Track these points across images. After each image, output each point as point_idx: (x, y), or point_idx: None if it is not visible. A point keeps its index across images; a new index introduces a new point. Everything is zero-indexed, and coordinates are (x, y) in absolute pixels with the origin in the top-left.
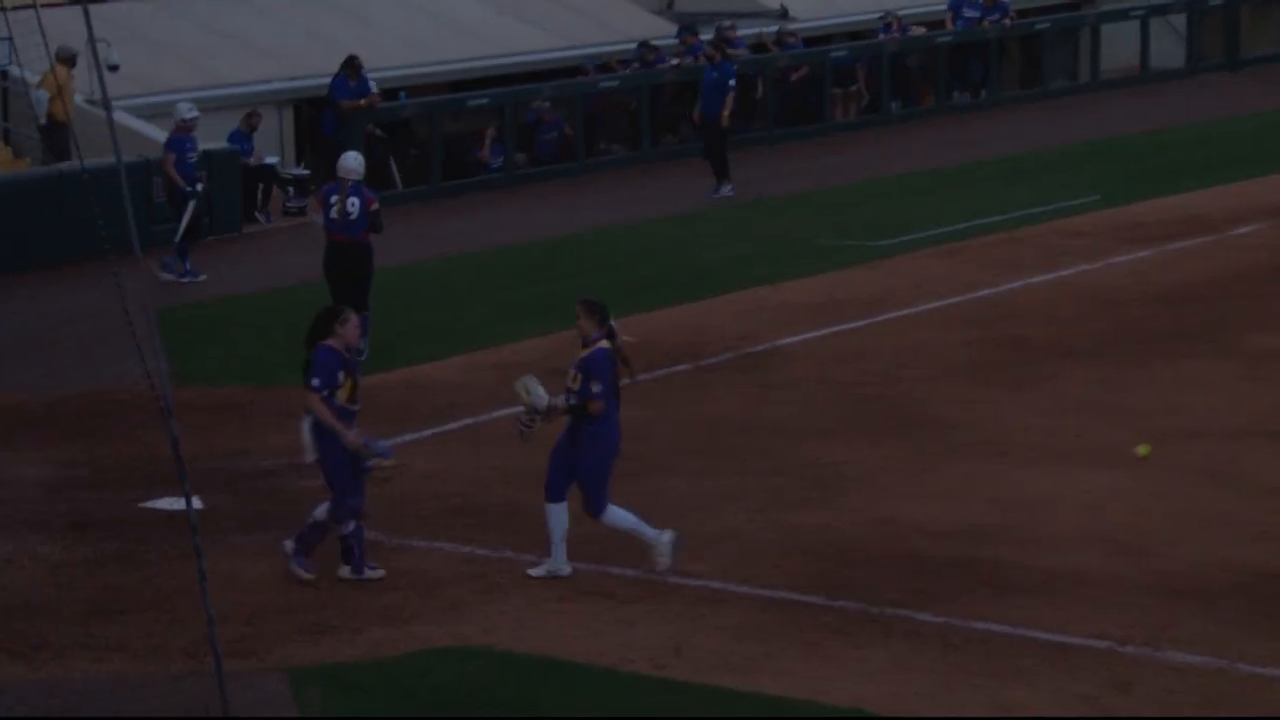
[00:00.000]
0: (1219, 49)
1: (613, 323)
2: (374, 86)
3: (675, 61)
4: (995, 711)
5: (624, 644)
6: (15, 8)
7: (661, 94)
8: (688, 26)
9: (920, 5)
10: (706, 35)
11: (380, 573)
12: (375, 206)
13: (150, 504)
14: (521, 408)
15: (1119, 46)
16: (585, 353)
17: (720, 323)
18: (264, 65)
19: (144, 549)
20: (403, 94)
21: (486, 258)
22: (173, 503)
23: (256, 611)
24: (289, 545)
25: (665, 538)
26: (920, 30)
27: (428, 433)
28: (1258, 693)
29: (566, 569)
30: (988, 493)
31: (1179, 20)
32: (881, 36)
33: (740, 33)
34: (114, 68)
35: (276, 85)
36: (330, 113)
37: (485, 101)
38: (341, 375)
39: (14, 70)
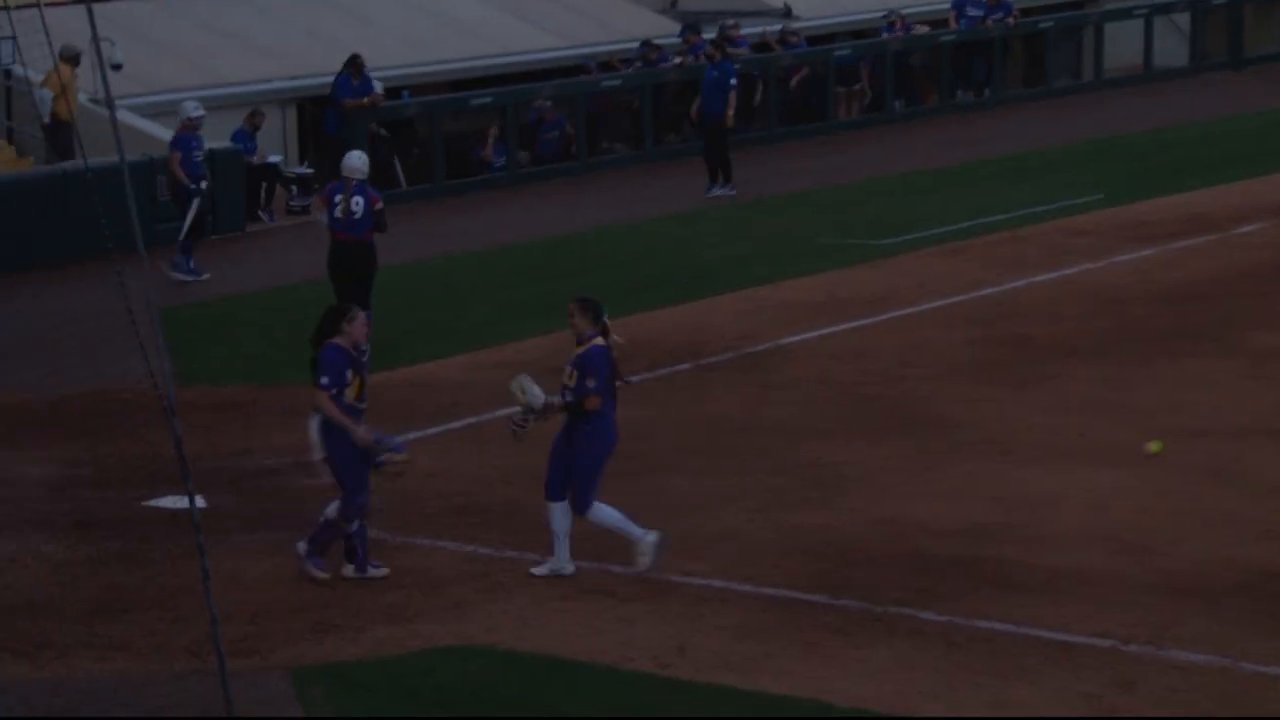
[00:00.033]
0: (1223, 48)
1: (607, 320)
2: (378, 86)
3: (678, 60)
4: (998, 710)
5: (626, 643)
6: (19, 6)
7: (664, 93)
8: (690, 25)
9: (924, 4)
10: (709, 34)
11: (384, 571)
12: (380, 206)
13: (154, 503)
14: (516, 408)
15: (1122, 45)
16: (581, 349)
17: (722, 322)
18: (267, 64)
19: (147, 548)
20: (406, 93)
21: (489, 256)
22: (176, 501)
23: (260, 610)
24: (301, 547)
25: (650, 537)
26: (924, 29)
27: (431, 431)
28: (1261, 691)
29: (569, 568)
30: (991, 491)
31: (1182, 19)
32: (885, 35)
33: (743, 31)
34: (117, 67)
35: (279, 84)
36: (333, 112)
37: (488, 100)
38: (349, 373)
39: (17, 69)
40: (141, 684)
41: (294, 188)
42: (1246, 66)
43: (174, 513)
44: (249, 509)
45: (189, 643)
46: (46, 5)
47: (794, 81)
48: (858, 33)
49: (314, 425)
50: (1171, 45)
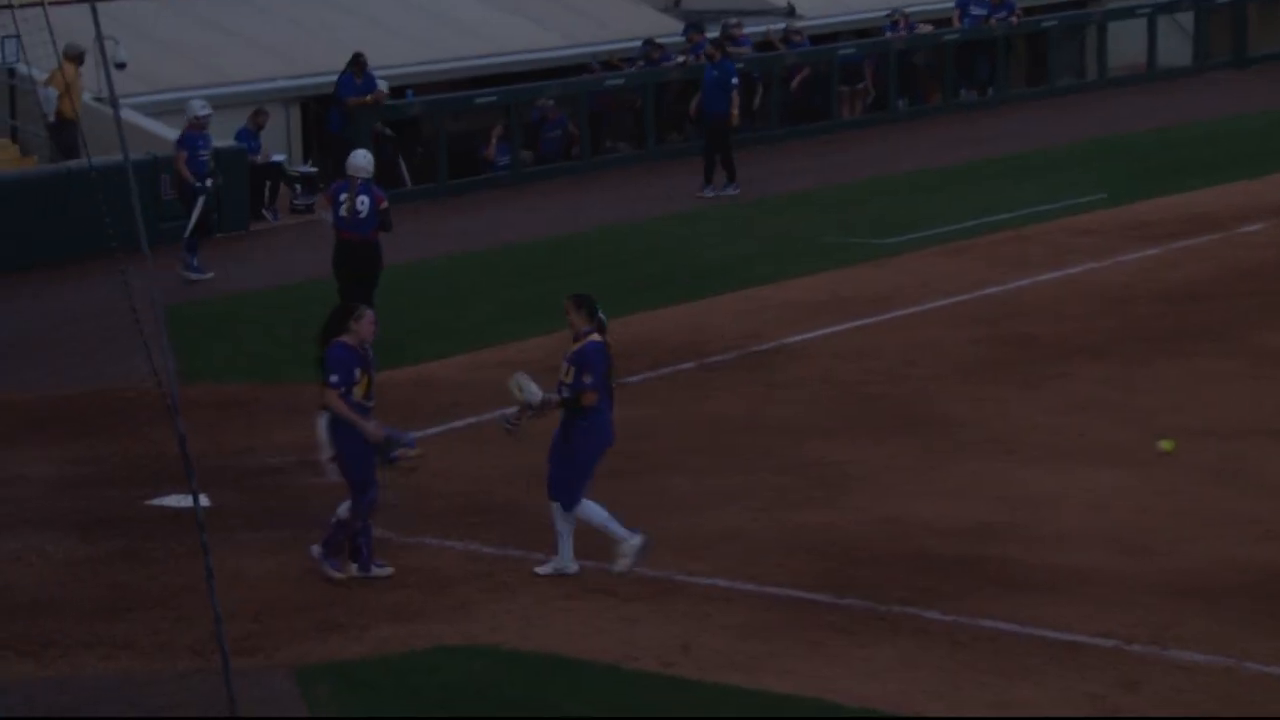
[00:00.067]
0: (1226, 47)
1: (602, 316)
2: (384, 85)
3: (681, 59)
4: (1003, 710)
5: (630, 642)
6: (22, 5)
7: (667, 92)
8: (694, 25)
9: (927, 3)
10: (712, 33)
11: (388, 570)
12: (385, 205)
13: (157, 501)
14: (511, 408)
15: (1126, 44)
16: (577, 346)
17: (725, 321)
18: (271, 63)
19: (151, 547)
20: (410, 92)
21: (492, 256)
22: (180, 500)
23: (264, 609)
24: (316, 550)
25: (635, 540)
26: (927, 28)
27: (434, 430)
28: (1265, 691)
29: (573, 567)
30: (995, 491)
31: (1186, 18)
32: (889, 34)
33: (747, 30)
34: (121, 65)
35: (283, 83)
36: (337, 110)
37: (492, 100)
38: (357, 371)
39: (21, 68)
40: (145, 683)
41: (298, 186)
42: (1250, 66)
43: (178, 511)
44: (253, 507)
45: (193, 641)
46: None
47: (795, 82)
48: (861, 31)
49: (322, 424)
50: (1175, 44)
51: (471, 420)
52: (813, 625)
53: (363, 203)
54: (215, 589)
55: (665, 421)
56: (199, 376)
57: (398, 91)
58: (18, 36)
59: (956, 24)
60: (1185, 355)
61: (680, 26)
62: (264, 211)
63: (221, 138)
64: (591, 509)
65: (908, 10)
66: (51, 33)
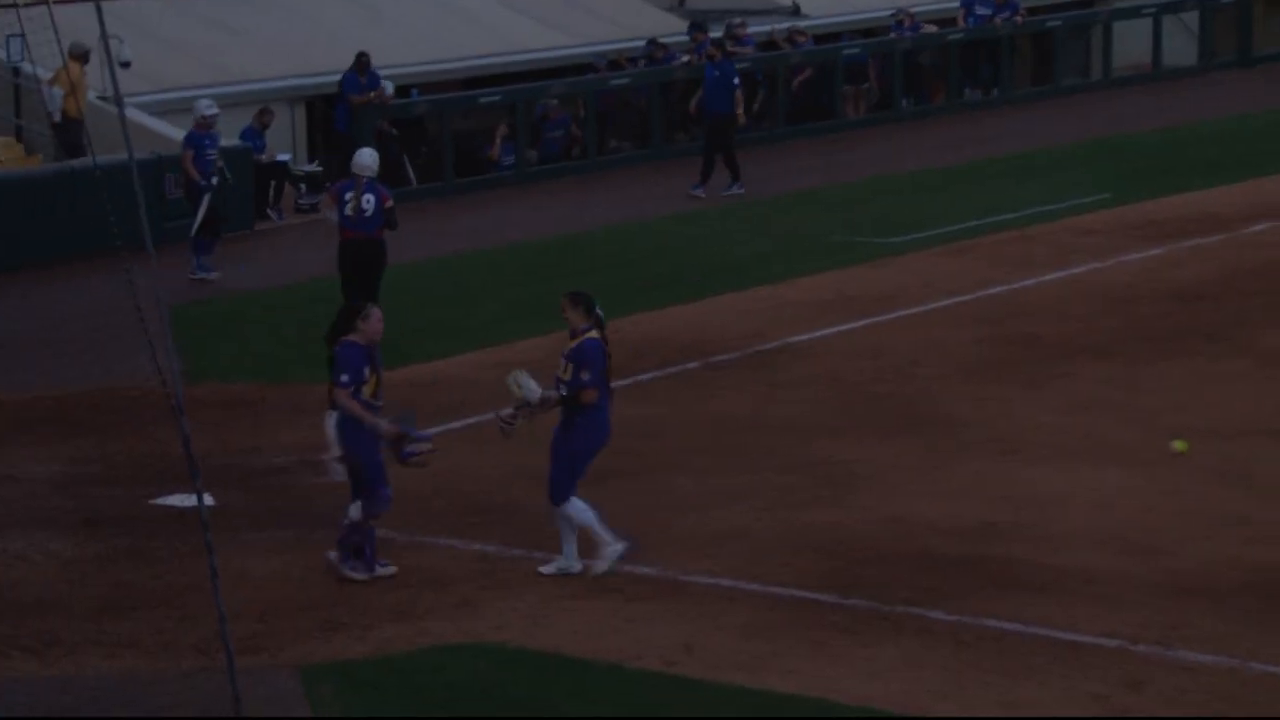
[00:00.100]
0: (1231, 46)
1: (599, 312)
2: (390, 86)
3: (686, 59)
4: (1007, 710)
5: (634, 641)
6: (27, 4)
7: (672, 91)
8: (698, 24)
9: (932, 2)
10: (716, 33)
11: (392, 569)
12: (390, 203)
13: (162, 500)
14: (506, 409)
15: (1131, 44)
16: (574, 342)
17: (730, 320)
18: (276, 62)
19: (155, 546)
20: (415, 91)
21: (498, 255)
22: (184, 499)
23: (268, 608)
24: (333, 555)
25: (618, 548)
26: (932, 27)
27: (439, 429)
28: (1270, 691)
29: (578, 566)
30: (999, 490)
31: (1191, 17)
32: (894, 34)
33: (751, 30)
34: (126, 64)
35: (288, 82)
36: (342, 109)
37: (497, 99)
38: (366, 370)
39: (26, 67)
40: (149, 682)
41: (303, 186)
42: (1255, 65)
43: (182, 510)
44: (257, 507)
45: (197, 640)
46: (55, 2)
47: (795, 82)
48: (866, 31)
49: (331, 423)
50: (1180, 44)
51: (477, 419)
52: (816, 625)
53: (368, 201)
54: (219, 588)
55: (670, 421)
56: (204, 376)
57: (403, 90)
58: (23, 35)
59: (961, 23)
60: (1189, 355)
61: (685, 25)
62: (269, 211)
63: (226, 137)
64: (579, 508)
65: (913, 10)
66: (56, 32)
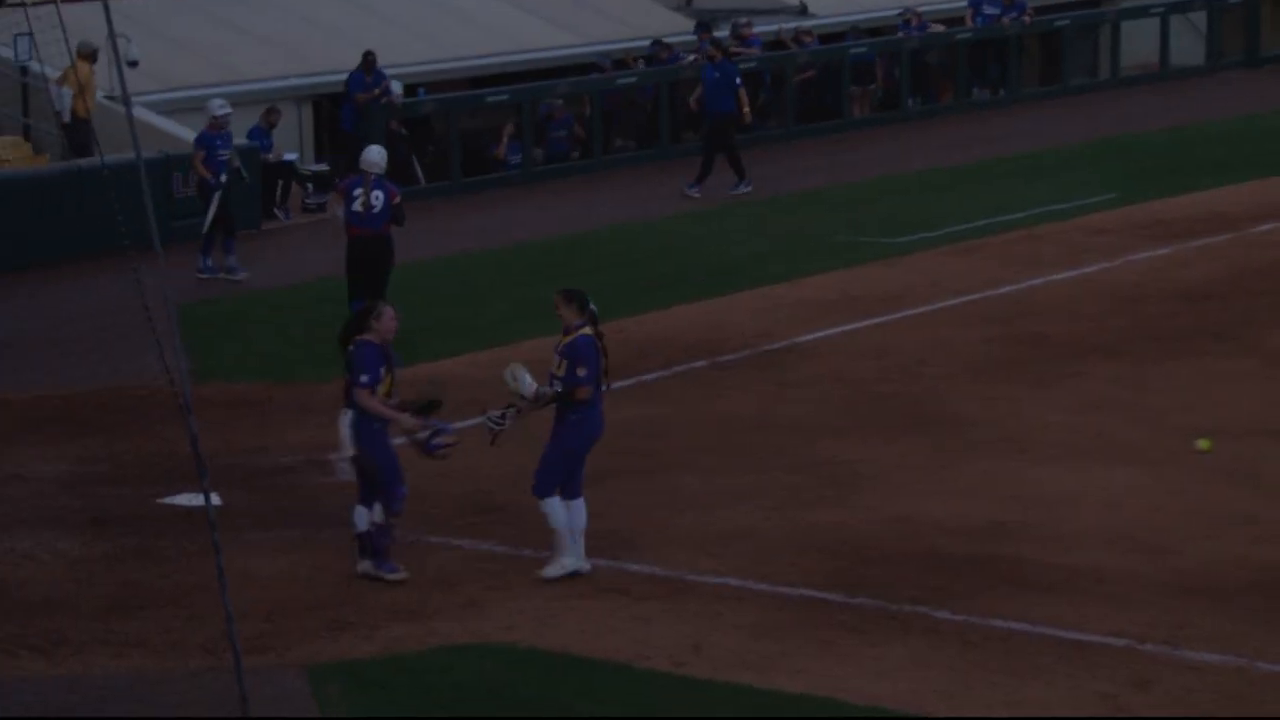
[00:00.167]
0: (1239, 46)
1: (593, 309)
2: (398, 86)
3: (692, 58)
4: (1014, 709)
5: (642, 641)
6: (35, 3)
7: (678, 91)
8: (703, 24)
9: (940, 2)
10: (721, 32)
11: (370, 567)
12: (398, 199)
13: (169, 500)
14: (495, 410)
15: (1139, 43)
16: (568, 339)
17: (737, 319)
18: (283, 61)
19: (163, 545)
20: (421, 90)
21: (505, 254)
22: (191, 499)
23: (275, 608)
24: (368, 565)
25: (573, 565)
26: (939, 27)
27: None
28: (1277, 691)
29: (585, 566)
30: (1007, 490)
31: (1199, 17)
32: (901, 33)
33: (757, 29)
34: (134, 63)
35: (295, 81)
36: (349, 109)
37: (504, 98)
38: (383, 370)
39: (34, 66)
40: (157, 681)
41: (310, 185)
42: (1263, 65)
43: (189, 510)
44: (264, 506)
45: (204, 640)
46: (63, 1)
47: (796, 79)
48: (873, 30)
49: (345, 423)
50: (1188, 43)
51: (478, 420)
52: (824, 624)
53: (377, 198)
54: (227, 587)
55: (677, 420)
56: (211, 375)
57: (410, 90)
58: (30, 34)
59: (969, 23)
60: (1198, 355)
61: (692, 25)
62: (275, 210)
63: (234, 136)
64: (555, 507)
65: (920, 9)
66: (64, 31)
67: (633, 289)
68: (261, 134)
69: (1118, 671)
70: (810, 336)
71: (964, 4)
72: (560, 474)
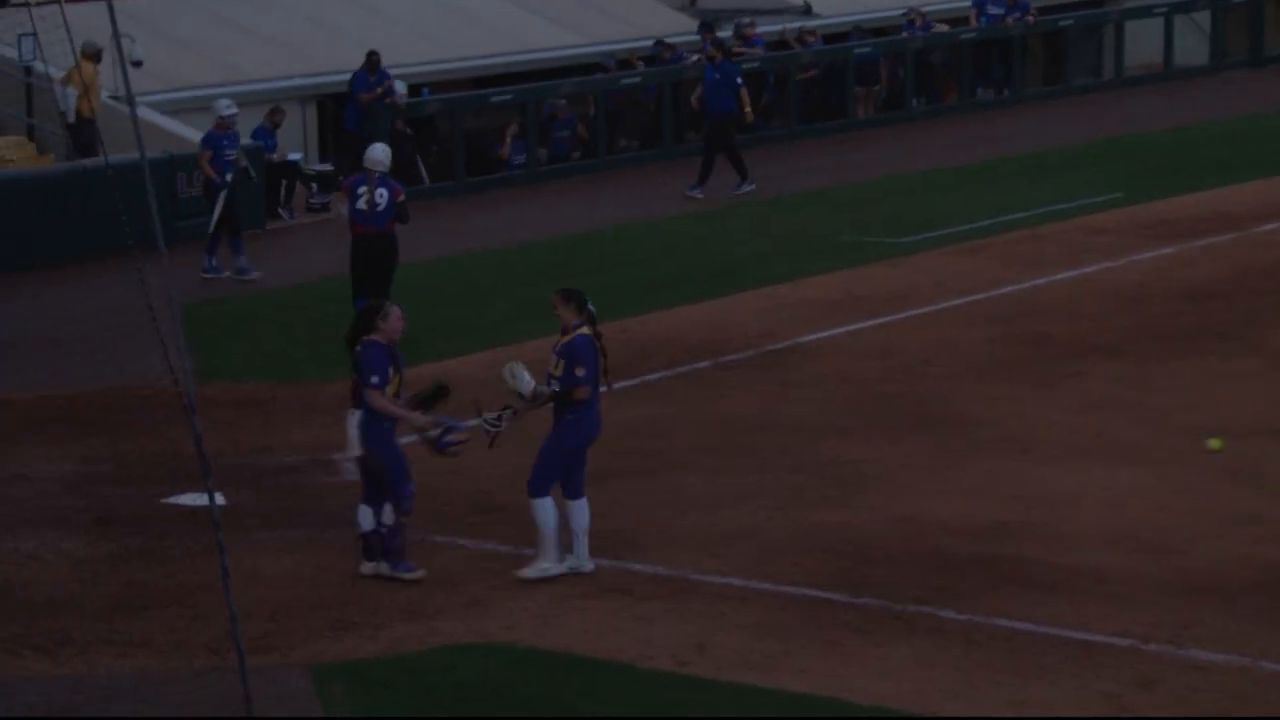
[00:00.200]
0: (1243, 46)
1: (591, 308)
2: (402, 86)
3: (695, 58)
4: (1018, 709)
5: (645, 641)
6: (39, 3)
7: (682, 91)
8: (707, 24)
9: (944, 2)
10: (725, 32)
11: (387, 568)
12: (402, 197)
13: (174, 500)
14: (491, 412)
15: (1143, 43)
16: (566, 339)
17: (741, 320)
18: (288, 61)
19: (167, 545)
20: (426, 90)
21: (509, 254)
22: (196, 498)
23: (279, 608)
24: (384, 568)
25: (552, 569)
26: (944, 27)
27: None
28: None
29: (588, 565)
30: (1010, 490)
31: (1203, 17)
32: (905, 33)
33: (761, 29)
34: (138, 63)
35: (300, 81)
36: (352, 109)
37: (508, 98)
38: (391, 370)
39: (38, 66)
40: (161, 681)
41: (314, 185)
42: (1267, 65)
43: (194, 510)
44: (269, 506)
45: (209, 640)
46: (67, 1)
47: (798, 78)
48: (877, 30)
49: (353, 422)
50: (1192, 43)
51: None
52: (828, 624)
53: (381, 195)
54: (231, 587)
55: (680, 420)
56: (215, 375)
57: (414, 90)
58: (34, 34)
59: (973, 23)
60: (1201, 354)
61: (696, 25)
62: (280, 210)
63: (240, 136)
64: (546, 509)
65: (924, 9)
66: (69, 31)
67: (636, 289)
68: (266, 134)
69: (1122, 671)
70: (814, 336)
71: (968, 4)
72: (557, 473)
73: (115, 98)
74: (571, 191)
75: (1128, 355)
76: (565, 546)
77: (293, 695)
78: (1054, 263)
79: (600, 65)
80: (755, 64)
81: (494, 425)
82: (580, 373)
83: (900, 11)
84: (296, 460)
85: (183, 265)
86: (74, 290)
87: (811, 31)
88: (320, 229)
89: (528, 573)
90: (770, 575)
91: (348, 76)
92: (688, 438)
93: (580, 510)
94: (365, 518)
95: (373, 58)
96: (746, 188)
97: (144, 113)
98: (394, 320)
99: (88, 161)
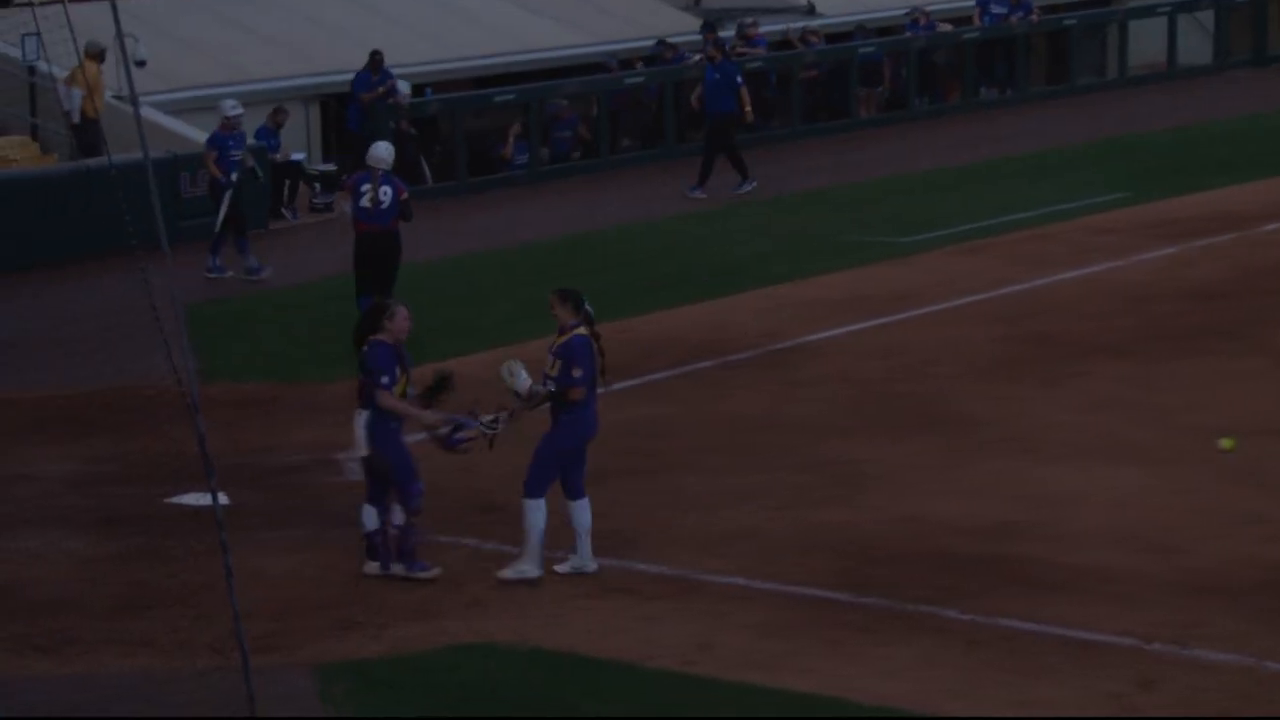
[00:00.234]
0: (1246, 45)
1: (588, 309)
2: (405, 86)
3: (698, 58)
4: (1021, 709)
5: (649, 641)
6: (43, 2)
7: (684, 91)
8: (709, 24)
9: (947, 1)
10: (727, 32)
11: (402, 569)
12: (405, 195)
13: (177, 499)
14: (488, 415)
15: (1146, 43)
16: (562, 339)
17: (744, 319)
18: (291, 61)
19: (171, 544)
20: (429, 90)
21: (511, 254)
22: (199, 498)
23: (283, 607)
24: (399, 569)
25: (533, 572)
26: (947, 26)
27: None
28: None
29: (592, 565)
30: (1014, 490)
31: (1206, 16)
32: (909, 33)
33: (765, 29)
34: (141, 63)
35: (303, 81)
36: (355, 109)
37: (511, 98)
38: (398, 369)
39: (41, 66)
40: (165, 680)
41: (317, 185)
42: (1270, 64)
43: (197, 509)
44: (272, 506)
45: (212, 639)
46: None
47: (800, 79)
48: (881, 30)
49: (360, 422)
50: (1195, 43)
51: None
52: (832, 624)
53: (385, 193)
54: (234, 587)
55: (684, 420)
56: (218, 375)
57: (416, 90)
58: (38, 34)
59: (977, 22)
60: (1205, 354)
61: (699, 24)
62: (283, 210)
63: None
64: (538, 515)
65: (928, 8)
66: (72, 31)
67: (639, 288)
68: (269, 134)
69: (1126, 671)
70: (818, 336)
71: (971, 3)
72: (553, 473)
73: (119, 97)
74: (574, 191)
75: (1132, 355)
76: (570, 545)
77: (296, 695)
78: (1058, 262)
79: (602, 65)
80: (758, 64)
81: (491, 427)
82: (577, 374)
83: (903, 11)
84: (299, 460)
85: (186, 265)
86: (76, 290)
87: (814, 31)
88: (323, 229)
89: (506, 573)
90: (774, 575)
91: (350, 76)
92: (691, 437)
93: (581, 510)
94: (369, 517)
95: (376, 57)
96: (748, 187)
97: (147, 112)
98: (400, 320)
99: (91, 161)
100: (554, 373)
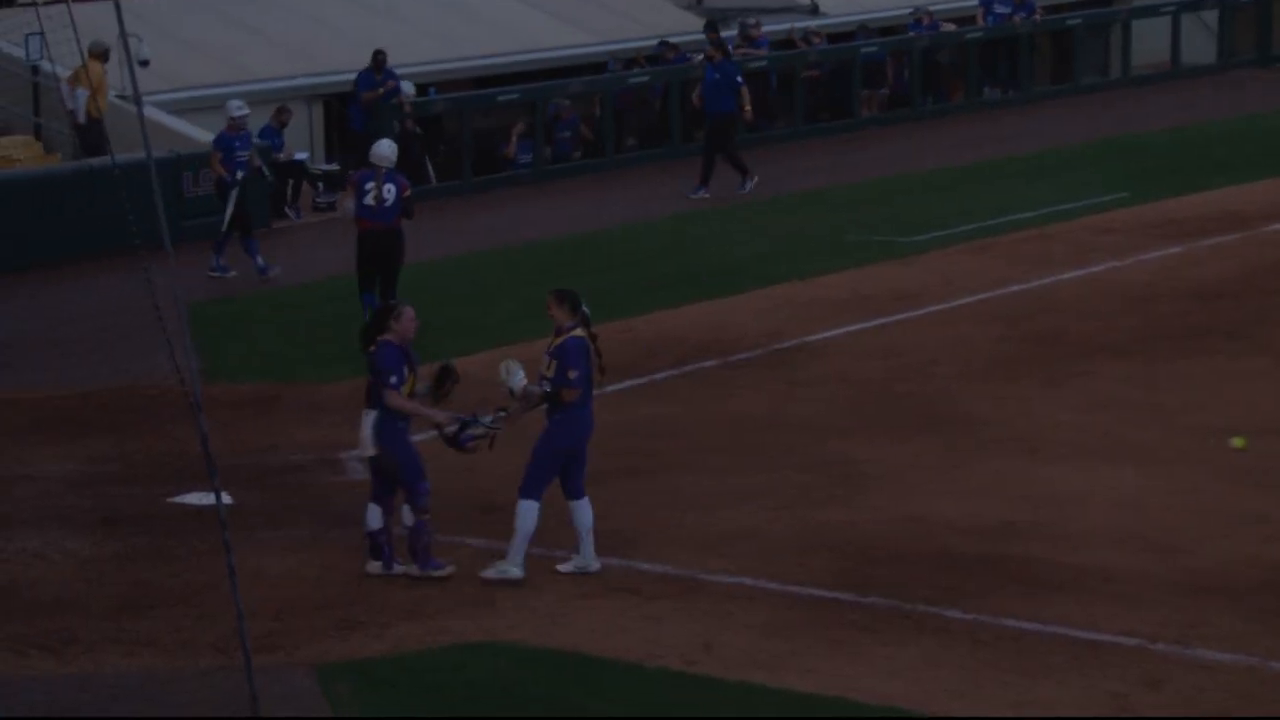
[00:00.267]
0: (1251, 45)
1: (585, 310)
2: (409, 86)
3: (700, 58)
4: (1024, 709)
5: (652, 640)
6: (47, 2)
7: (688, 90)
8: (712, 23)
9: (951, 1)
10: (729, 32)
11: (404, 569)
12: (409, 192)
13: (179, 499)
14: (486, 415)
15: (1150, 42)
16: (558, 340)
17: (747, 319)
18: (294, 61)
19: (173, 544)
20: (432, 90)
21: (515, 253)
22: (202, 498)
23: (285, 607)
24: (414, 570)
25: (515, 573)
26: (951, 26)
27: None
28: None
29: (595, 565)
30: (1017, 489)
31: (1210, 16)
32: (912, 32)
33: (768, 28)
34: (145, 63)
35: (306, 81)
36: (358, 108)
37: (515, 97)
38: (405, 370)
39: (45, 65)
40: (167, 680)
41: (320, 184)
42: (1275, 63)
43: (199, 509)
44: (274, 505)
45: (215, 639)
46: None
47: (801, 78)
48: (884, 29)
49: (367, 422)
50: (1199, 42)
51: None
52: (835, 624)
53: (389, 191)
54: (237, 587)
55: (687, 419)
56: (220, 374)
57: (421, 89)
58: (41, 34)
59: (980, 22)
60: (1208, 353)
61: (702, 24)
62: (286, 209)
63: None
64: (530, 515)
65: (931, 8)
66: (75, 31)
67: (642, 288)
68: (272, 133)
69: (1128, 671)
70: (821, 335)
71: (975, 3)
72: (549, 474)
73: (122, 97)
74: (578, 191)
75: (1135, 354)
76: (572, 545)
77: (298, 694)
78: (1061, 262)
79: (605, 65)
80: (761, 63)
81: (493, 427)
82: (572, 375)
83: (907, 10)
84: (302, 459)
85: (189, 264)
86: (73, 290)
87: (816, 32)
88: (326, 228)
89: (489, 573)
90: (777, 575)
91: (353, 76)
92: (694, 437)
93: (582, 510)
94: (374, 516)
95: (379, 57)
96: (749, 186)
97: (150, 112)
98: (407, 320)
99: (94, 161)
100: (550, 374)
